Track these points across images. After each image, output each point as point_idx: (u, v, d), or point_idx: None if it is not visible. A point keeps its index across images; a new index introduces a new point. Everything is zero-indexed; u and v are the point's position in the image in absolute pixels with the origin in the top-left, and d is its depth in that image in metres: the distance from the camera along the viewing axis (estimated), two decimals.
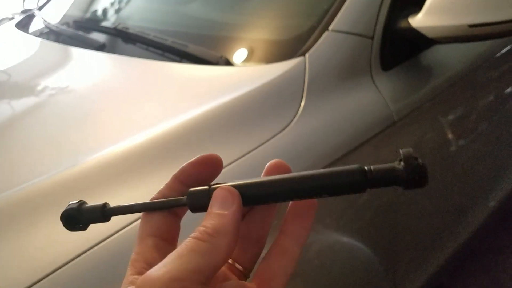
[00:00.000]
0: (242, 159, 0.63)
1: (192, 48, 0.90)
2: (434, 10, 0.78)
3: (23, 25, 1.37)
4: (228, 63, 0.84)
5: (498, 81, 1.16)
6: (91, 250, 0.50)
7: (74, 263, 0.48)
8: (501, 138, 1.21)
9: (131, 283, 0.29)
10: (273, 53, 0.84)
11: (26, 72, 1.03)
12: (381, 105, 0.80)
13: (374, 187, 0.30)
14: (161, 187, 0.33)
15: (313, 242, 0.71)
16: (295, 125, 0.70)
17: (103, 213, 0.32)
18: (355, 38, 0.81)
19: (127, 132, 0.68)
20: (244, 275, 0.34)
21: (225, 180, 0.32)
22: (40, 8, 1.51)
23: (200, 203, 0.31)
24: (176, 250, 0.27)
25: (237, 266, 0.34)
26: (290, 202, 0.33)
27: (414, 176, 0.29)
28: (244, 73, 0.81)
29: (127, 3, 1.24)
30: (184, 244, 0.27)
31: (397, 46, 0.86)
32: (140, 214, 0.33)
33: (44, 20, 1.31)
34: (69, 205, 0.33)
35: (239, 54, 0.88)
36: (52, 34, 1.22)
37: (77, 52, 1.05)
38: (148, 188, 0.53)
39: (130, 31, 1.02)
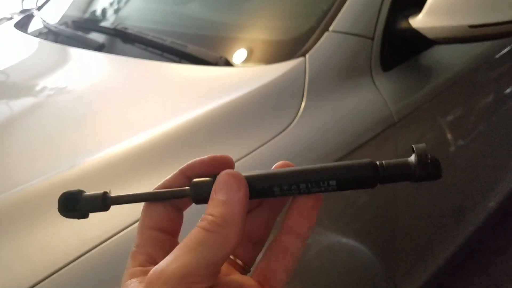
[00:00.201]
0: (242, 160, 0.63)
1: (191, 49, 0.90)
2: (434, 10, 0.78)
3: (22, 25, 1.36)
4: (227, 63, 0.84)
5: (497, 82, 1.16)
6: (91, 252, 0.49)
7: (74, 264, 0.48)
8: (500, 139, 1.21)
9: (133, 275, 0.28)
10: (273, 53, 0.84)
11: (25, 72, 1.03)
12: (381, 105, 0.80)
13: (385, 183, 0.29)
14: (165, 179, 0.32)
15: (313, 242, 0.71)
16: (296, 125, 0.69)
17: (104, 202, 0.31)
18: (355, 39, 0.81)
19: (126, 133, 0.67)
20: (244, 270, 0.33)
21: None
22: (39, 8, 1.50)
23: (204, 195, 0.29)
24: (185, 242, 0.27)
25: (238, 261, 0.33)
26: (293, 199, 0.32)
27: (428, 170, 0.28)
28: (244, 74, 0.80)
29: (126, 3, 1.23)
30: (194, 235, 0.27)
31: (397, 47, 0.86)
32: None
33: (43, 20, 1.31)
34: (67, 191, 0.31)
35: (238, 55, 0.87)
36: (51, 34, 1.22)
37: (76, 53, 1.05)
38: (147, 189, 0.53)
39: (129, 31, 1.02)
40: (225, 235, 0.27)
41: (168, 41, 0.93)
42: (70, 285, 0.47)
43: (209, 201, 0.29)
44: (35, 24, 1.34)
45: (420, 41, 0.86)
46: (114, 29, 1.06)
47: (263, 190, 0.30)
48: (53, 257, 0.49)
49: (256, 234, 0.34)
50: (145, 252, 0.30)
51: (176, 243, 0.32)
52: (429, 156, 0.29)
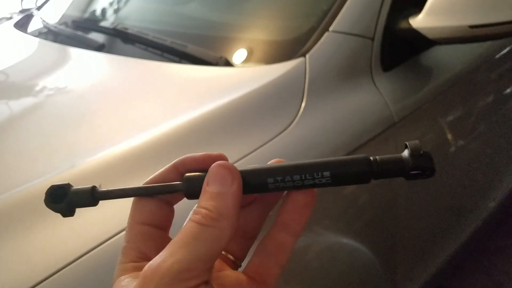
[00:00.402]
0: (242, 160, 0.63)
1: (192, 49, 0.90)
2: (434, 11, 0.78)
3: (22, 25, 1.36)
4: (227, 63, 0.84)
5: (498, 82, 1.16)
6: (91, 252, 0.49)
7: (74, 265, 0.48)
8: (500, 139, 1.21)
9: (125, 271, 0.28)
10: (273, 53, 0.84)
11: (24, 72, 1.03)
12: (381, 105, 0.80)
13: (379, 178, 0.30)
14: (156, 173, 0.31)
15: (313, 242, 0.71)
16: (296, 126, 0.69)
17: (92, 196, 0.30)
18: (356, 39, 0.81)
19: (126, 133, 0.67)
20: (236, 265, 0.33)
21: None
22: (38, 8, 1.50)
23: (196, 190, 0.29)
24: (179, 237, 0.26)
25: (229, 256, 0.33)
26: (287, 195, 0.31)
27: (421, 163, 0.29)
28: (244, 74, 0.80)
29: (126, 3, 1.23)
30: (188, 230, 0.26)
31: (398, 47, 0.86)
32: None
33: (43, 20, 1.30)
34: (55, 184, 0.30)
35: (239, 55, 0.87)
36: (50, 34, 1.22)
37: (75, 52, 1.05)
38: None
39: (129, 31, 1.02)
40: (220, 228, 0.26)
41: (168, 41, 0.93)
42: (71, 286, 0.47)
43: (202, 194, 0.28)
44: (35, 24, 1.34)
45: (420, 41, 0.86)
46: (114, 29, 1.06)
47: (257, 184, 0.29)
48: (53, 257, 0.49)
49: (248, 230, 0.33)
50: (136, 248, 0.29)
51: (168, 238, 0.31)
52: (422, 150, 0.29)
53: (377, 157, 0.30)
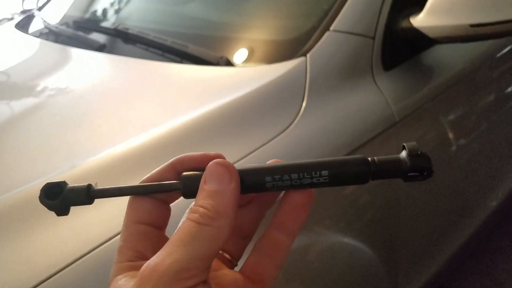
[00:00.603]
0: (242, 160, 0.63)
1: (193, 49, 0.90)
2: (435, 10, 0.78)
3: (23, 25, 1.37)
4: (228, 63, 0.84)
5: (499, 81, 1.15)
6: (92, 253, 0.49)
7: (75, 265, 0.48)
8: (502, 138, 1.21)
9: (121, 270, 0.28)
10: (274, 53, 0.83)
11: (26, 73, 1.03)
12: (382, 105, 0.80)
13: (377, 178, 0.30)
14: (153, 171, 0.31)
15: (314, 242, 0.70)
16: (296, 125, 0.69)
17: (88, 194, 0.30)
18: (356, 38, 0.81)
19: (126, 133, 0.67)
20: (232, 264, 0.33)
21: None
22: (39, 9, 1.51)
23: (194, 189, 0.28)
24: (177, 236, 0.26)
25: (225, 255, 0.33)
26: (284, 195, 0.31)
27: (418, 167, 0.29)
28: (245, 74, 0.80)
29: (127, 3, 1.23)
30: (186, 229, 0.26)
31: (398, 46, 0.86)
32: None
33: (44, 21, 1.31)
34: (50, 182, 0.30)
35: (239, 55, 0.87)
36: (51, 34, 1.22)
37: (76, 53, 1.05)
38: None
39: (130, 31, 1.02)
40: (218, 227, 0.26)
41: (169, 41, 0.93)
42: (71, 286, 0.47)
43: (199, 192, 0.28)
44: (36, 25, 1.34)
45: (421, 41, 0.86)
46: (115, 29, 1.06)
47: (255, 183, 0.29)
48: (54, 258, 0.49)
49: (244, 229, 0.33)
50: (133, 247, 0.29)
51: (164, 237, 0.31)
52: (420, 151, 0.29)
53: (375, 157, 0.30)
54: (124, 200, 0.31)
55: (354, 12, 0.81)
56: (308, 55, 0.77)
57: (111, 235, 0.51)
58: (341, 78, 0.78)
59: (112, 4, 1.23)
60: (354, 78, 0.79)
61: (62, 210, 0.30)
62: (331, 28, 0.80)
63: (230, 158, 0.63)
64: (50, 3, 1.49)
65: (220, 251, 0.32)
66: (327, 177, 0.29)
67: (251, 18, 0.98)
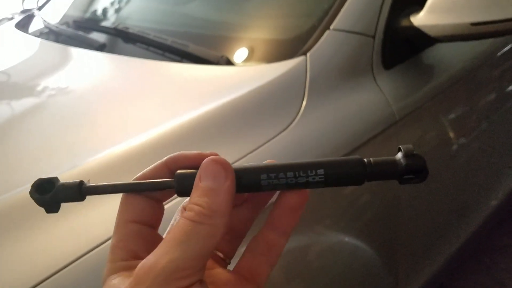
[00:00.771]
0: (242, 159, 0.63)
1: (193, 48, 0.89)
2: (435, 8, 0.78)
3: (23, 25, 1.37)
4: (229, 62, 0.84)
5: (500, 80, 1.15)
6: (92, 252, 0.49)
7: (75, 265, 0.48)
8: (502, 137, 1.21)
9: (115, 270, 0.28)
10: (274, 52, 0.83)
11: (26, 73, 1.03)
12: (383, 104, 0.80)
13: (373, 180, 0.30)
14: (146, 169, 0.31)
15: (315, 242, 0.70)
16: (297, 125, 0.69)
17: (80, 191, 0.29)
18: (357, 37, 0.81)
19: (127, 133, 0.67)
20: (225, 263, 0.33)
21: None
22: (39, 8, 1.50)
23: (189, 187, 0.28)
24: (172, 235, 0.26)
25: (218, 253, 0.33)
26: (278, 196, 0.31)
27: (414, 168, 0.29)
28: (245, 73, 0.80)
29: (127, 2, 1.23)
30: (181, 228, 0.26)
31: (399, 45, 0.85)
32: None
33: (44, 20, 1.31)
34: (42, 177, 0.30)
35: (240, 54, 0.87)
36: (51, 34, 1.22)
37: (77, 52, 1.05)
38: None
39: (130, 31, 1.02)
40: (213, 225, 0.26)
41: (169, 40, 0.93)
42: (71, 286, 0.47)
43: (194, 189, 0.28)
44: (36, 24, 1.34)
45: (421, 39, 0.85)
46: (115, 29, 1.06)
47: (250, 181, 0.29)
48: (54, 258, 0.49)
49: (237, 228, 0.33)
50: (126, 247, 0.29)
51: (157, 236, 0.31)
52: (415, 152, 0.29)
53: (371, 159, 0.30)
54: None
55: (354, 11, 0.81)
56: (308, 54, 0.77)
57: (110, 235, 0.51)
58: (341, 77, 0.78)
59: (112, 4, 1.23)
60: (355, 77, 0.79)
61: (52, 206, 0.29)
62: (331, 27, 0.80)
63: (229, 158, 0.63)
64: (50, 2, 1.49)
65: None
66: (322, 176, 0.29)
67: (251, 17, 0.98)
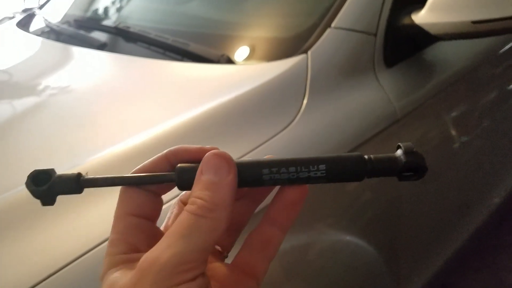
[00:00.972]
0: (243, 158, 0.63)
1: (194, 47, 0.89)
2: (437, 6, 0.77)
3: (24, 24, 1.37)
4: (229, 61, 0.84)
5: (501, 78, 1.15)
6: (91, 253, 0.49)
7: (74, 265, 0.48)
8: (505, 135, 1.20)
9: (115, 263, 0.28)
10: (275, 50, 0.83)
11: (27, 72, 1.03)
12: (384, 102, 0.80)
13: (372, 176, 0.30)
14: (145, 162, 0.30)
15: (316, 241, 0.70)
16: (298, 123, 0.69)
17: (77, 183, 0.29)
18: (358, 35, 0.80)
19: (128, 132, 0.67)
20: (223, 256, 0.33)
21: None
22: (41, 7, 1.51)
23: (190, 181, 0.28)
24: (175, 228, 0.26)
25: (217, 247, 0.33)
26: (278, 191, 0.31)
27: (413, 164, 0.29)
28: (246, 71, 0.80)
29: (128, 2, 1.23)
30: (184, 221, 0.26)
31: (400, 43, 0.85)
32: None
33: (45, 19, 1.31)
34: (38, 169, 0.29)
35: (240, 52, 0.87)
36: (53, 33, 1.22)
37: (78, 51, 1.05)
38: None
39: (131, 30, 1.02)
40: (216, 219, 0.26)
41: (170, 39, 0.93)
42: (70, 286, 0.47)
43: (195, 183, 0.28)
44: (37, 23, 1.34)
45: (423, 37, 0.85)
46: (116, 28, 1.06)
47: (252, 175, 0.29)
48: (53, 257, 0.49)
49: (235, 222, 0.33)
50: (126, 240, 0.29)
51: (156, 229, 0.31)
52: (414, 150, 0.30)
53: (371, 156, 0.30)
54: None
55: (355, 9, 0.81)
56: (309, 53, 0.77)
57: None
58: (342, 75, 0.78)
59: (113, 3, 1.23)
60: (356, 75, 0.79)
61: (48, 198, 0.29)
62: (333, 25, 0.80)
63: (231, 156, 0.63)
64: (51, 1, 1.49)
65: None
66: (324, 172, 0.29)
67: (252, 15, 0.98)
